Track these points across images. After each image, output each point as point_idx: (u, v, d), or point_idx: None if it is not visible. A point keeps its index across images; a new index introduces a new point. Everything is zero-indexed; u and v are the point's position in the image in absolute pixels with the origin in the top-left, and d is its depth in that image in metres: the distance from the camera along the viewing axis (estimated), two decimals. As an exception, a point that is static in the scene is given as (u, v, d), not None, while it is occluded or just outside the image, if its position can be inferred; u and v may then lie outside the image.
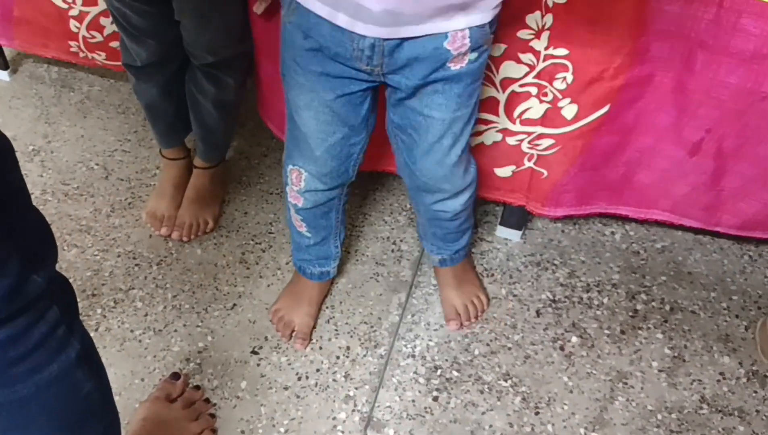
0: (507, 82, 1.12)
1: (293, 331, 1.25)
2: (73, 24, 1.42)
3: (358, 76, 0.93)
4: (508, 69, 1.10)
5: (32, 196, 0.67)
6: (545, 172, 1.22)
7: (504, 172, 1.25)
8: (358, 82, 0.94)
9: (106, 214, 1.43)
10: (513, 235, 1.43)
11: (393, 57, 0.89)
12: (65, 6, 1.39)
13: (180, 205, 1.41)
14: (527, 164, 1.22)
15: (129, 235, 1.39)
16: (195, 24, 1.17)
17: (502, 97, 1.14)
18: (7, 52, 1.68)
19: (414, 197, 1.15)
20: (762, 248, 1.42)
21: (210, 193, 1.44)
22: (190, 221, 1.40)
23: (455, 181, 1.07)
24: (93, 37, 1.42)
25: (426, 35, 0.87)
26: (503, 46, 1.07)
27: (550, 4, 1.01)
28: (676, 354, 1.26)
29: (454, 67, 0.91)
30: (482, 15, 0.89)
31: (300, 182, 1.09)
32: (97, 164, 1.52)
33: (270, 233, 1.41)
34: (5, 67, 1.69)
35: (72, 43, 1.46)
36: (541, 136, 1.17)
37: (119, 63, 1.41)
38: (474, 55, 0.91)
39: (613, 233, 1.45)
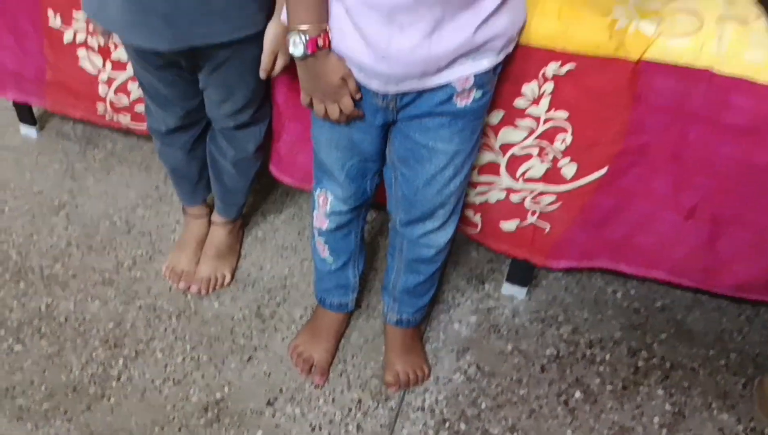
0: (506, 147, 1.19)
1: (312, 365, 1.32)
2: (101, 88, 1.50)
3: (375, 112, 1.05)
4: (507, 135, 1.18)
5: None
6: (548, 227, 1.28)
7: (509, 226, 1.31)
8: (374, 116, 1.06)
9: (127, 267, 1.49)
10: (519, 292, 1.49)
11: (404, 98, 1.02)
12: (95, 71, 1.47)
13: (199, 260, 1.48)
14: (531, 219, 1.29)
15: (150, 287, 1.45)
16: (219, 94, 1.25)
17: (502, 161, 1.22)
18: (35, 110, 1.77)
19: (402, 234, 1.22)
20: (759, 308, 1.47)
21: (227, 248, 1.50)
22: (208, 275, 1.46)
23: (448, 208, 1.15)
24: (120, 101, 1.51)
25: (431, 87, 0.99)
26: (501, 113, 1.15)
27: (550, 75, 1.09)
28: (676, 410, 1.30)
29: (460, 103, 1.02)
30: (489, 59, 0.99)
31: (326, 205, 1.21)
32: (119, 218, 1.59)
33: (284, 287, 1.47)
34: (33, 124, 1.77)
35: (99, 105, 1.54)
36: (543, 193, 1.24)
37: (142, 125, 1.50)
38: (479, 93, 1.02)
39: (614, 292, 1.50)
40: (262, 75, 1.15)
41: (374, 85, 0.99)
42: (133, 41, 1.14)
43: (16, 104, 1.73)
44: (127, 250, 1.52)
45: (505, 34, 0.98)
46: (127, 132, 1.79)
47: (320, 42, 0.95)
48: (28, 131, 1.78)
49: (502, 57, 1.01)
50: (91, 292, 1.43)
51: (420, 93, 1.01)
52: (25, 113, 1.76)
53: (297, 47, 0.95)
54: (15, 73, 1.58)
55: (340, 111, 1.03)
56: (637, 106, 1.09)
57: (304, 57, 0.97)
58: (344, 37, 0.95)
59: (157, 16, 1.08)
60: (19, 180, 1.67)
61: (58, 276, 1.46)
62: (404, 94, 1.01)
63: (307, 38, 0.94)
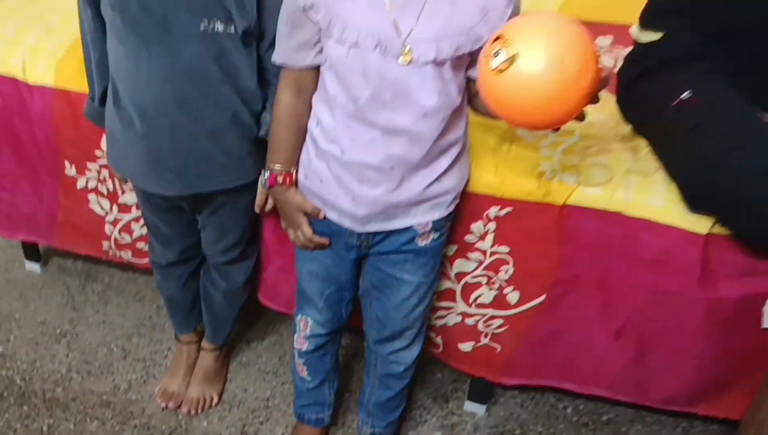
0: (460, 275, 1.39)
1: None
2: (107, 227, 1.69)
3: (349, 249, 1.25)
4: (461, 265, 1.38)
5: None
6: (499, 348, 1.46)
7: (466, 347, 1.49)
8: (348, 252, 1.26)
9: (124, 390, 1.63)
10: (479, 409, 1.64)
11: (375, 237, 1.22)
12: (103, 213, 1.67)
13: (189, 383, 1.63)
14: (484, 341, 1.47)
15: (144, 408, 1.59)
16: (215, 233, 1.45)
17: (457, 288, 1.41)
18: (40, 247, 1.95)
19: (375, 351, 1.39)
20: (693, 420, 1.63)
21: (215, 372, 1.65)
22: (198, 397, 1.61)
23: (415, 330, 1.34)
24: (123, 239, 1.70)
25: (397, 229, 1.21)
26: (455, 247, 1.36)
27: (492, 216, 1.31)
28: None
29: (421, 243, 1.22)
30: (440, 211, 1.21)
31: (306, 329, 1.38)
32: (116, 346, 1.74)
33: (267, 408, 1.62)
34: (38, 260, 1.95)
35: (104, 242, 1.73)
36: (492, 317, 1.43)
37: (142, 260, 1.70)
38: (436, 235, 1.23)
39: (565, 407, 1.66)
40: (257, 209, 1.37)
41: (347, 223, 1.20)
42: (147, 187, 1.35)
43: (24, 242, 1.92)
44: (123, 374, 1.67)
45: (453, 190, 1.21)
46: (122, 267, 1.97)
47: (279, 179, 1.20)
48: (33, 267, 1.96)
49: (452, 208, 1.23)
50: (90, 414, 1.57)
51: (388, 234, 1.22)
52: (31, 251, 1.94)
53: (263, 178, 1.22)
54: (29, 217, 1.77)
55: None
56: (565, 243, 1.30)
57: (267, 188, 1.22)
58: (324, 185, 1.17)
59: (170, 170, 1.30)
60: (23, 311, 1.84)
61: (59, 399, 1.60)
62: (374, 234, 1.22)
63: (267, 175, 1.20)
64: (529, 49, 0.89)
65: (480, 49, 1.03)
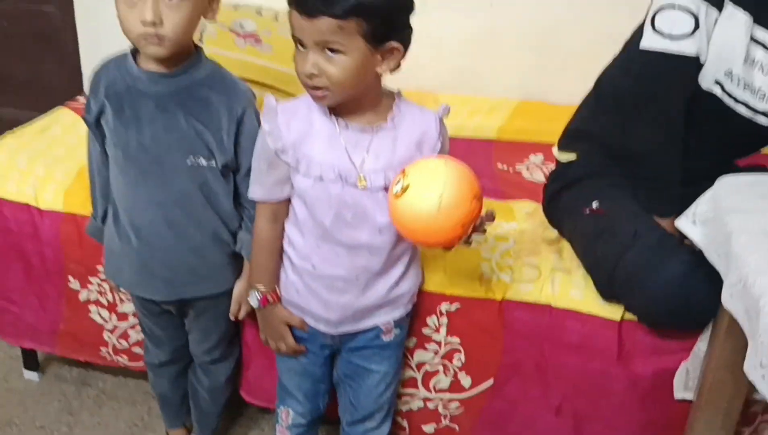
0: (420, 364, 1.61)
1: None
2: (106, 335, 1.89)
3: (323, 347, 1.46)
4: (420, 356, 1.60)
5: None
6: (457, 427, 1.66)
7: (429, 428, 1.68)
8: (322, 350, 1.46)
9: (119, 484, 1.78)
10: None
11: (345, 336, 1.44)
12: (102, 322, 1.87)
13: (179, 474, 1.79)
14: (444, 422, 1.66)
15: (138, 499, 1.74)
16: (199, 335, 1.65)
17: (418, 376, 1.62)
18: (39, 356, 2.12)
19: (349, 433, 1.57)
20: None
21: (203, 464, 1.82)
22: (187, 486, 1.77)
23: (383, 412, 1.53)
24: (121, 344, 1.89)
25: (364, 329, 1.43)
26: (414, 339, 1.58)
27: (444, 311, 1.54)
28: None
29: (385, 338, 1.45)
30: (400, 311, 1.44)
31: (288, 419, 1.54)
32: (111, 445, 1.90)
33: (251, 495, 1.78)
34: (36, 369, 2.12)
35: (103, 349, 1.91)
36: (450, 400, 1.63)
37: (137, 364, 1.89)
38: (398, 331, 1.46)
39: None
40: (232, 317, 1.58)
41: (322, 327, 1.42)
42: (140, 294, 1.57)
43: (24, 352, 2.09)
44: (117, 471, 1.83)
45: (410, 292, 1.45)
46: (115, 373, 2.14)
47: (270, 298, 1.41)
48: (31, 375, 2.12)
49: (410, 307, 1.47)
50: (88, 506, 1.71)
51: (357, 333, 1.44)
52: (30, 360, 2.11)
53: (253, 300, 1.42)
54: (33, 326, 1.95)
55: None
56: (507, 333, 1.54)
57: (259, 308, 1.41)
58: (300, 295, 1.40)
59: (160, 279, 1.52)
60: (23, 417, 1.99)
61: (59, 494, 1.74)
62: (345, 334, 1.44)
63: (260, 296, 1.40)
64: (417, 183, 1.17)
65: None
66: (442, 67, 2.55)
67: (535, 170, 2.01)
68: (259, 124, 1.42)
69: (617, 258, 1.39)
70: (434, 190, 1.15)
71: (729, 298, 1.07)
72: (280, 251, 1.41)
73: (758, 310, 0.96)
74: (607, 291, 1.44)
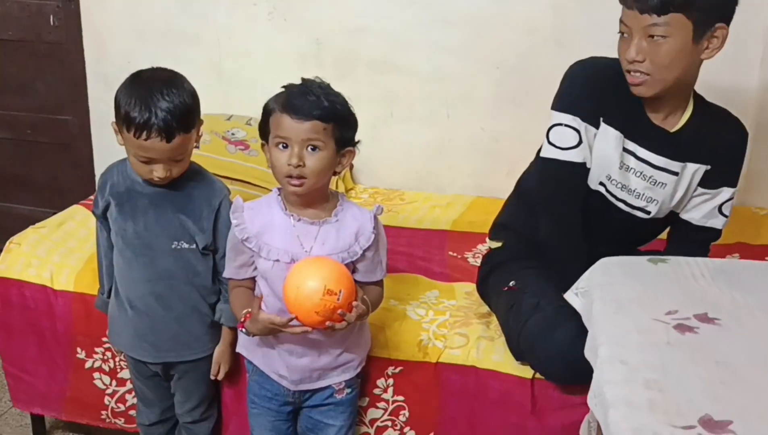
0: (373, 421, 1.90)
1: None
2: (106, 399, 2.17)
3: (286, 404, 1.74)
4: (372, 413, 1.89)
5: None
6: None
7: (381, 480, 1.96)
8: (286, 407, 1.74)
9: None
10: None
11: (305, 394, 1.72)
12: (104, 387, 2.17)
13: None
14: (396, 475, 1.94)
15: None
16: (182, 396, 1.94)
17: (371, 431, 1.91)
18: (47, 423, 2.40)
19: None
20: None
21: None
22: None
23: None
24: (119, 408, 2.17)
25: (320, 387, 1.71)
26: (367, 398, 1.88)
27: (390, 373, 1.84)
28: None
29: (339, 396, 1.73)
30: (349, 373, 1.73)
31: None
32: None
33: None
34: (44, 435, 2.40)
35: (103, 412, 2.19)
36: (399, 453, 1.92)
37: (132, 426, 2.17)
38: (349, 389, 1.75)
39: None
40: (212, 377, 1.88)
41: (284, 383, 1.72)
42: (133, 355, 1.88)
43: (33, 419, 2.37)
44: None
45: (358, 357, 1.75)
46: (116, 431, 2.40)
47: (242, 318, 1.62)
48: (39, 441, 2.40)
49: (359, 370, 1.76)
50: None
51: (314, 391, 1.73)
52: (38, 428, 2.38)
53: (242, 332, 1.66)
54: (42, 393, 2.24)
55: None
56: (442, 392, 1.84)
57: (246, 332, 1.64)
58: (270, 358, 1.70)
59: (148, 343, 1.83)
60: (31, 477, 2.26)
61: None
62: (304, 392, 1.73)
63: (243, 330, 1.64)
64: (289, 276, 1.51)
65: (359, 260, 1.63)
66: (407, 168, 2.93)
67: (480, 258, 2.33)
68: None
69: (521, 326, 1.71)
70: (295, 282, 1.48)
71: (588, 352, 1.39)
72: (249, 295, 1.69)
73: (596, 358, 1.28)
74: (518, 354, 1.75)
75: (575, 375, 1.65)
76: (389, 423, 1.90)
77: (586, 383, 1.67)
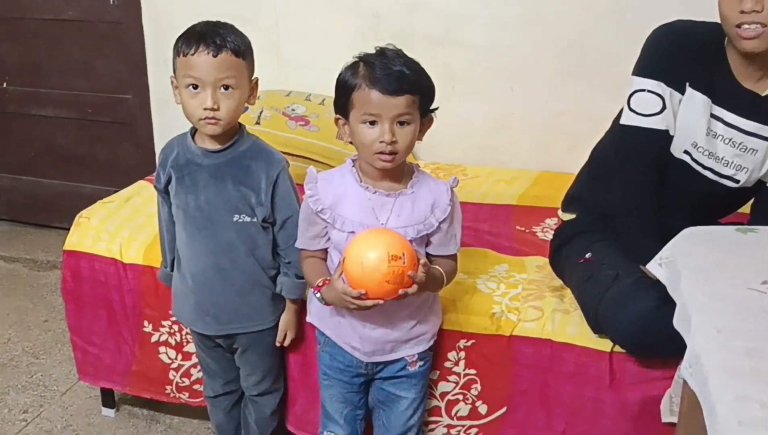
0: (443, 394, 1.87)
1: None
2: (171, 373, 2.19)
3: (359, 376, 1.72)
4: (443, 386, 1.86)
5: None
6: (478, 451, 1.90)
7: (452, 451, 1.93)
8: (358, 378, 1.73)
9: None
10: None
11: (377, 366, 1.69)
12: (169, 361, 2.18)
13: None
14: (465, 447, 1.91)
15: None
16: (246, 369, 1.93)
17: (442, 405, 1.88)
18: (115, 395, 2.43)
19: None
20: None
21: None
22: None
23: (411, 434, 1.77)
24: (183, 382, 2.18)
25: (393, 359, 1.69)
26: (437, 372, 1.85)
27: (461, 346, 1.81)
28: None
29: (411, 368, 1.71)
30: (422, 346, 1.70)
31: None
32: (176, 473, 2.18)
33: None
34: (113, 407, 2.43)
35: (167, 387, 2.21)
36: (470, 427, 1.88)
37: (196, 400, 2.18)
38: (422, 362, 1.72)
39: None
40: (277, 343, 1.87)
41: (357, 354, 1.70)
42: (195, 328, 1.89)
43: (102, 391, 2.40)
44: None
45: (431, 330, 1.72)
46: (180, 412, 2.41)
47: (320, 283, 1.59)
48: (108, 412, 2.42)
49: (431, 343, 1.74)
50: None
51: (386, 363, 1.71)
52: (107, 399, 2.41)
53: (317, 298, 1.60)
54: (109, 367, 2.26)
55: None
56: (515, 365, 1.80)
57: (321, 300, 1.59)
58: (342, 329, 1.67)
59: (210, 316, 1.83)
60: (100, 448, 2.29)
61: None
62: (377, 364, 1.71)
63: (318, 294, 1.59)
64: (348, 253, 1.48)
65: (434, 233, 1.60)
66: (468, 144, 2.89)
67: (549, 231, 2.28)
68: (292, 186, 1.76)
69: (600, 297, 1.66)
70: (357, 258, 1.45)
71: (677, 322, 1.33)
72: (321, 262, 1.67)
73: (689, 328, 1.23)
74: (596, 327, 1.70)
75: (655, 347, 1.61)
76: (460, 396, 1.87)
77: (666, 356, 1.65)
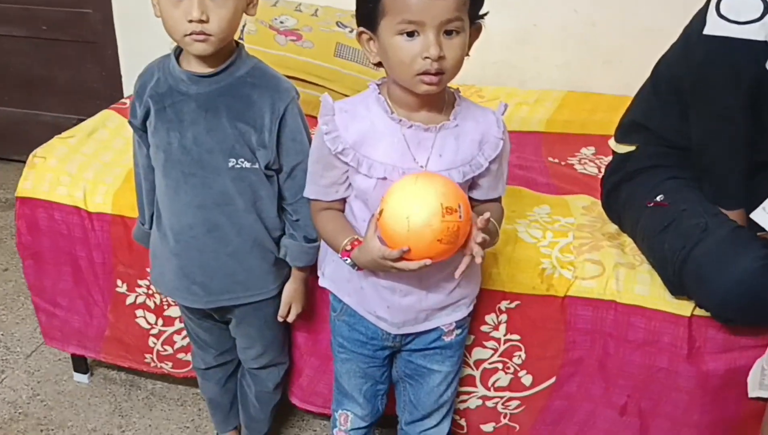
0: (479, 362, 1.57)
1: None
2: (151, 340, 1.87)
3: (383, 349, 1.41)
4: (478, 353, 1.57)
5: None
6: (517, 427, 1.62)
7: (487, 428, 1.64)
8: (382, 351, 1.42)
9: (172, 487, 1.77)
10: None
11: (407, 338, 1.39)
12: (148, 327, 1.85)
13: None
14: (503, 421, 1.62)
15: (192, 503, 1.73)
16: (244, 342, 1.62)
17: (477, 374, 1.59)
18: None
19: (407, 432, 1.52)
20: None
21: (255, 468, 1.80)
22: (240, 491, 1.75)
23: (443, 411, 1.49)
24: (165, 350, 1.86)
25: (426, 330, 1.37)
26: (472, 337, 1.54)
27: (503, 308, 1.50)
28: None
29: (447, 338, 1.40)
30: (462, 312, 1.39)
31: (347, 422, 1.50)
32: (162, 448, 1.89)
33: (305, 499, 1.75)
34: (85, 372, 2.12)
35: (147, 355, 1.89)
36: (510, 399, 1.60)
37: (181, 371, 1.87)
38: (459, 331, 1.42)
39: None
40: (280, 319, 1.54)
41: (383, 325, 1.38)
42: (179, 300, 1.56)
43: (73, 357, 2.09)
44: (170, 473, 1.81)
45: (471, 293, 1.41)
46: (162, 375, 2.13)
47: (349, 247, 1.26)
48: (81, 378, 2.11)
49: (471, 308, 1.42)
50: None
51: (418, 334, 1.40)
52: (79, 364, 2.10)
53: (348, 265, 1.28)
54: (79, 332, 1.94)
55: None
56: (568, 330, 1.49)
57: (352, 266, 1.27)
58: (365, 296, 1.35)
59: (197, 285, 1.49)
60: (75, 419, 1.99)
61: (114, 498, 1.73)
62: (406, 335, 1.40)
63: (348, 259, 1.26)
64: (387, 206, 1.16)
65: (481, 175, 1.27)
66: (483, 60, 2.49)
67: (588, 163, 1.96)
68: (303, 122, 1.40)
69: (687, 252, 1.34)
70: (402, 212, 1.14)
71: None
72: (345, 219, 1.34)
73: None
74: (676, 286, 1.39)
75: (758, 315, 1.31)
76: (499, 365, 1.57)
77: (766, 324, 1.35)
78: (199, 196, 1.42)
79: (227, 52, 1.36)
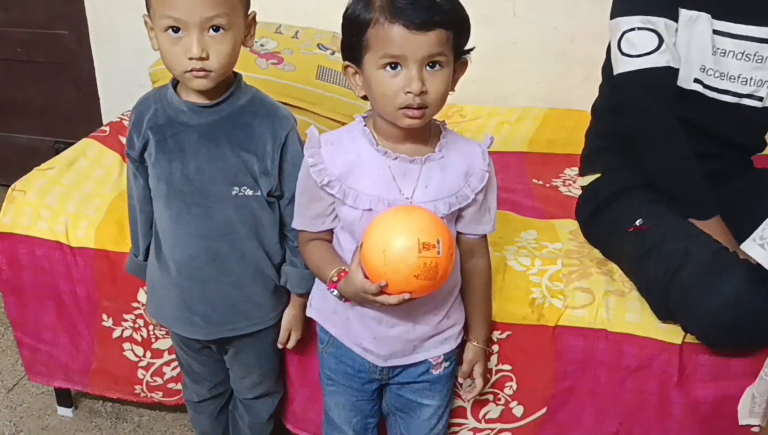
0: (471, 396, 1.57)
1: None
2: (140, 372, 1.84)
3: (372, 382, 1.40)
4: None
5: None
6: (509, 459, 1.62)
7: (479, 458, 1.64)
8: (371, 384, 1.41)
9: None
10: None
11: (394, 370, 1.38)
12: (136, 359, 1.83)
13: None
14: (494, 453, 1.62)
15: None
16: (241, 371, 1.61)
17: (467, 405, 1.58)
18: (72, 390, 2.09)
19: None
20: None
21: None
22: None
23: None
24: (155, 381, 1.84)
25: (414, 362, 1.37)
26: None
27: (495, 339, 1.50)
28: None
29: (435, 372, 1.39)
30: (450, 344, 1.39)
31: None
32: (151, 482, 1.86)
33: None
34: (69, 405, 2.08)
35: (137, 386, 1.87)
36: (501, 431, 1.59)
37: (171, 399, 1.85)
38: (447, 363, 1.41)
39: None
40: (279, 346, 1.54)
41: (370, 357, 1.37)
42: (180, 332, 1.53)
43: (56, 390, 2.06)
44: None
45: (459, 323, 1.40)
46: (150, 406, 2.09)
47: (335, 278, 1.26)
48: (65, 412, 2.08)
49: (459, 340, 1.41)
50: None
51: (406, 366, 1.39)
52: (63, 397, 2.07)
53: (335, 296, 1.28)
54: (65, 366, 1.91)
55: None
56: (559, 360, 1.49)
57: (339, 297, 1.27)
58: (351, 328, 1.35)
59: (199, 316, 1.48)
60: (60, 456, 1.96)
61: None
62: (394, 368, 1.39)
63: (335, 291, 1.26)
64: (367, 239, 1.16)
65: (467, 206, 1.27)
66: (465, 79, 2.49)
67: (572, 185, 1.96)
68: (302, 148, 1.39)
69: (669, 277, 1.35)
70: (379, 245, 1.13)
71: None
72: (332, 248, 1.34)
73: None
74: (663, 312, 1.40)
75: (746, 338, 1.35)
76: (490, 397, 1.57)
77: (754, 348, 1.37)
78: (202, 225, 1.41)
79: (227, 82, 1.37)
